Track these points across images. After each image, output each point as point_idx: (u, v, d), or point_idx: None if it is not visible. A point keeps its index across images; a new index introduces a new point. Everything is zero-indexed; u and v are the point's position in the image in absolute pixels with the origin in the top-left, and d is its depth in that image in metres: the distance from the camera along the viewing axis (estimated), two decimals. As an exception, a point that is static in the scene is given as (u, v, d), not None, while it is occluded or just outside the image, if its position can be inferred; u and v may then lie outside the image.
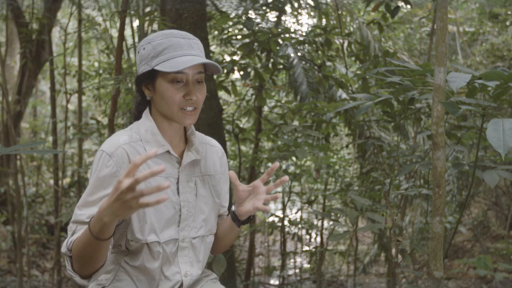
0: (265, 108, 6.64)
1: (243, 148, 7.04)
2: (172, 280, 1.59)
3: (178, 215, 1.57)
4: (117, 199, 1.24)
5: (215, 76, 4.30)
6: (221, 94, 7.02)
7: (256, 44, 4.45)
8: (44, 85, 12.00)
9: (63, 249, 1.45)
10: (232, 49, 5.42)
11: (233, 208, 1.66)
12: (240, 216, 1.63)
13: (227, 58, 5.72)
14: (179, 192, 1.58)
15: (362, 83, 4.40)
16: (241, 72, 4.44)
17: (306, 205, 6.43)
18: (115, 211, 1.26)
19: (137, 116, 1.65)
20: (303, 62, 5.34)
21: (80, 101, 6.23)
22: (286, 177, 1.48)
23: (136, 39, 5.37)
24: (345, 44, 5.29)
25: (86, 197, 1.49)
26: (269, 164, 6.34)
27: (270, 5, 5.17)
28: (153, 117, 1.60)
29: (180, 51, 1.51)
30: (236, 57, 5.08)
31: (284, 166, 5.76)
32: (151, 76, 1.54)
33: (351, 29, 6.32)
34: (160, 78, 1.52)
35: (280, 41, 4.69)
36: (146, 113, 1.61)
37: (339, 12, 5.60)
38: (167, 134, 1.60)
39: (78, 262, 1.42)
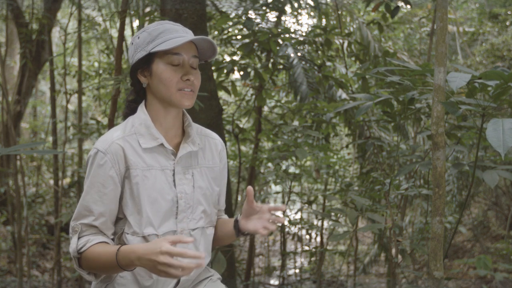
0: (265, 108, 6.64)
1: (243, 148, 7.04)
2: None
3: (176, 207, 1.58)
4: (151, 260, 1.34)
5: (215, 76, 4.30)
6: (221, 94, 7.03)
7: (256, 44, 4.44)
8: (44, 85, 12.00)
9: (72, 252, 1.51)
10: (232, 49, 5.42)
11: (238, 217, 1.67)
12: (242, 230, 1.64)
13: (227, 58, 5.72)
14: (175, 184, 1.59)
15: (362, 83, 4.40)
16: (241, 72, 4.43)
17: (306, 205, 6.43)
18: (145, 267, 1.38)
19: (128, 114, 1.67)
20: (303, 62, 5.33)
21: (80, 101, 6.23)
22: (284, 207, 1.56)
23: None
24: (345, 44, 5.29)
25: (85, 196, 1.53)
26: (269, 164, 6.36)
27: (270, 5, 5.16)
28: (149, 108, 1.61)
29: (176, 33, 1.55)
30: (236, 57, 5.07)
31: (284, 166, 5.76)
32: (148, 61, 1.56)
33: (351, 29, 6.32)
34: (157, 61, 1.55)
35: (280, 41, 4.68)
36: (141, 106, 1.62)
37: (339, 12, 5.60)
38: (163, 126, 1.61)
39: (92, 269, 1.52)
